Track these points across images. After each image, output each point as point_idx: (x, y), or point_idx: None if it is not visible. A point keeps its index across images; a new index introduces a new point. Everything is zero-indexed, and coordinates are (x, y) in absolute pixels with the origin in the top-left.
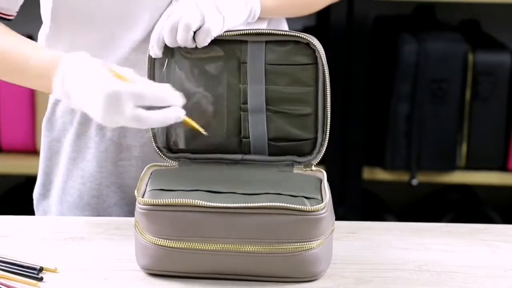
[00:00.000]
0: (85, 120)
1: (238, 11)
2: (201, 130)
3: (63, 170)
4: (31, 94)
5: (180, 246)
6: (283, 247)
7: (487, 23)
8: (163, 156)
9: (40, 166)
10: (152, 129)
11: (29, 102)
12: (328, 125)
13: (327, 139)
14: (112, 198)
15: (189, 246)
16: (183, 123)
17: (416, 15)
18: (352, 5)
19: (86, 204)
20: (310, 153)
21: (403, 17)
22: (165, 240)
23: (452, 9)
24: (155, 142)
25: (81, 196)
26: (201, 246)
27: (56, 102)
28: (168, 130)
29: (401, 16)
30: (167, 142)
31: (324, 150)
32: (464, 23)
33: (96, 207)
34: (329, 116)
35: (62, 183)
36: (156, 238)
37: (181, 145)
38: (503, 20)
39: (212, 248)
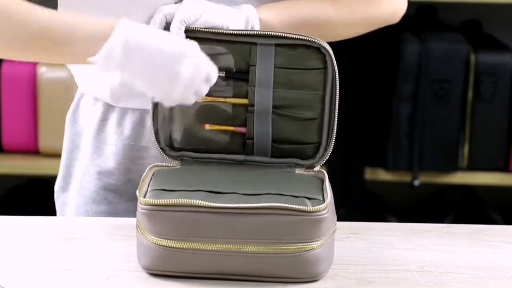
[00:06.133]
0: (106, 117)
1: (231, 14)
2: (230, 128)
3: (82, 164)
4: (34, 95)
5: (182, 246)
6: (284, 247)
7: (489, 24)
8: (165, 155)
9: (62, 159)
10: (154, 126)
11: (31, 102)
12: (335, 130)
13: (332, 144)
14: (129, 195)
15: (190, 246)
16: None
17: (418, 16)
18: None
19: (102, 199)
20: (312, 156)
21: (405, 17)
22: (166, 240)
23: (454, 9)
24: (157, 142)
25: (97, 191)
26: (202, 246)
27: (82, 96)
28: (171, 128)
29: (403, 17)
30: (170, 140)
31: (328, 155)
32: (466, 23)
33: (113, 201)
34: (335, 121)
35: (81, 177)
36: (158, 238)
37: (184, 145)
38: (505, 21)
39: (213, 248)
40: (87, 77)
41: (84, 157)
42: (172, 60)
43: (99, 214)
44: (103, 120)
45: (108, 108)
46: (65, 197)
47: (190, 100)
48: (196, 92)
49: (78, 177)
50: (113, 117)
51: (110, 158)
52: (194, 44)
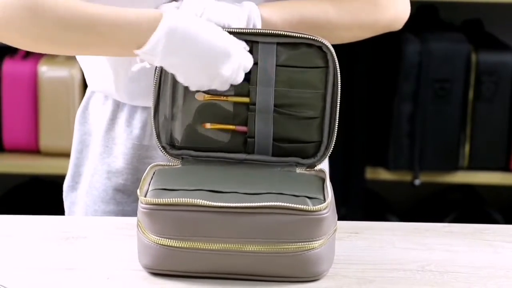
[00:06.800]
0: (115, 116)
1: (233, 11)
2: (230, 127)
3: (92, 163)
4: (34, 94)
5: (183, 245)
6: (285, 247)
7: (490, 23)
8: (166, 154)
9: (71, 159)
10: (155, 125)
11: (32, 102)
12: (336, 129)
13: (333, 143)
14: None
15: (191, 245)
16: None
17: (419, 15)
18: None
19: (111, 198)
20: (313, 155)
21: None
22: (167, 240)
23: (455, 9)
24: (159, 140)
25: (106, 190)
26: (203, 246)
27: (91, 95)
28: (172, 126)
29: None
30: (171, 139)
31: (329, 153)
32: (467, 23)
33: (121, 201)
34: (337, 120)
35: (90, 176)
36: (159, 238)
37: (185, 143)
38: (506, 20)
39: (214, 247)
40: (98, 74)
41: (93, 156)
42: (216, 58)
43: (108, 214)
44: (113, 119)
45: (118, 107)
46: (74, 196)
47: (222, 88)
48: (229, 84)
49: (88, 176)
50: (122, 116)
51: (119, 157)
52: (238, 42)
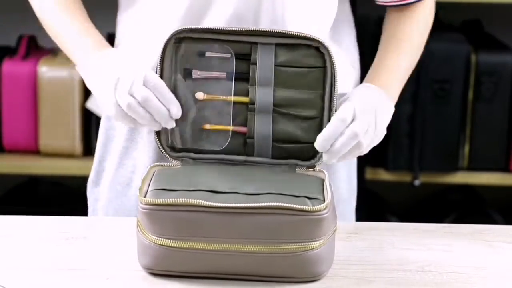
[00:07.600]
0: None
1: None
2: (229, 128)
3: (115, 158)
4: (34, 94)
5: (182, 246)
6: (285, 247)
7: (490, 24)
8: (167, 156)
9: (96, 154)
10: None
11: (32, 102)
12: None
13: None
14: None
15: (190, 246)
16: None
17: None
18: (354, 6)
19: (133, 194)
20: (313, 156)
21: None
22: (167, 240)
23: (454, 9)
24: (159, 141)
25: (129, 185)
26: (202, 246)
27: None
28: (172, 128)
29: None
30: (171, 141)
31: None
32: (467, 23)
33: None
34: None
35: (114, 170)
36: (158, 238)
37: (185, 145)
38: (506, 21)
39: (213, 248)
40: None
41: (117, 151)
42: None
43: (129, 209)
44: None
45: None
46: (97, 192)
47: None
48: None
49: (111, 171)
50: None
51: (143, 152)
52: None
